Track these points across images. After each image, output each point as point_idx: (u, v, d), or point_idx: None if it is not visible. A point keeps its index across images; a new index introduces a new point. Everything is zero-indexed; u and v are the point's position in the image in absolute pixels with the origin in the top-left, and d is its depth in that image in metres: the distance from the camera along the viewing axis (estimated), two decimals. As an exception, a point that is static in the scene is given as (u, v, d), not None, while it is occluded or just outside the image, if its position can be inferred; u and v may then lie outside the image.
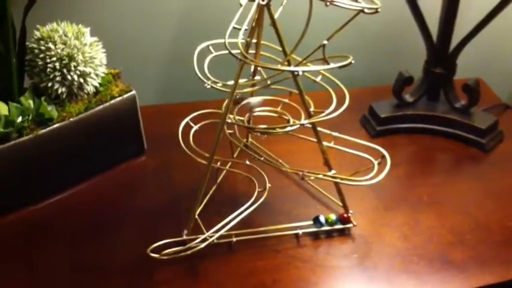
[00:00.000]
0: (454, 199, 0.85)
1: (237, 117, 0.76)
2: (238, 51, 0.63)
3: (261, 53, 0.78)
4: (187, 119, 0.82)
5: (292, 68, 0.63)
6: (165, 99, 1.11)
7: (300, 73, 0.60)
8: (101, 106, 0.83)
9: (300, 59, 0.69)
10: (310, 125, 0.72)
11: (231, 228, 0.73)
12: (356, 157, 0.76)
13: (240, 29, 0.65)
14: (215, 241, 0.71)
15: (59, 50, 0.78)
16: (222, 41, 0.67)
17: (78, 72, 0.79)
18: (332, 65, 0.64)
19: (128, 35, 1.04)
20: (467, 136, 0.95)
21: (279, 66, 0.64)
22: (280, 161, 0.88)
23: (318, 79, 0.75)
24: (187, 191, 0.85)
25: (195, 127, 0.82)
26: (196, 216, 0.75)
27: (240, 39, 0.63)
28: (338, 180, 0.74)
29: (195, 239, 0.73)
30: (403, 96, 0.98)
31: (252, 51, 0.74)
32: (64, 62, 0.78)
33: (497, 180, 0.89)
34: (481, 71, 1.15)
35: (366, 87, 1.11)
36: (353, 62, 0.65)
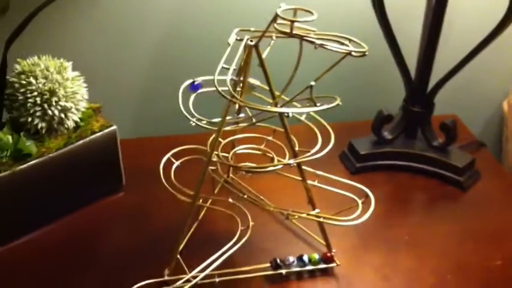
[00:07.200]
0: (433, 239, 0.85)
1: (221, 154, 0.76)
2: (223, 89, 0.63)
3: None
4: (168, 155, 0.81)
5: (282, 110, 0.63)
6: (145, 132, 1.10)
7: (290, 115, 0.60)
8: (81, 141, 0.81)
9: (287, 99, 0.70)
10: (295, 164, 0.72)
11: (214, 268, 0.72)
12: (335, 194, 0.75)
13: (228, 69, 0.65)
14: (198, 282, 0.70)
15: (40, 85, 0.76)
16: (208, 78, 0.67)
17: (59, 107, 0.78)
18: (320, 107, 0.64)
19: (107, 69, 1.03)
20: (445, 174, 0.97)
21: (269, 107, 0.64)
22: (261, 197, 0.88)
23: (303, 117, 0.75)
24: (166, 229, 0.84)
25: (177, 163, 0.80)
26: (178, 256, 0.73)
27: (228, 78, 0.63)
28: (322, 220, 0.74)
29: (177, 280, 0.71)
30: (382, 133, 0.99)
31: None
32: (45, 96, 0.77)
33: (475, 219, 0.90)
34: (454, 107, 1.17)
35: (344, 122, 1.12)
36: (340, 103, 0.66)
